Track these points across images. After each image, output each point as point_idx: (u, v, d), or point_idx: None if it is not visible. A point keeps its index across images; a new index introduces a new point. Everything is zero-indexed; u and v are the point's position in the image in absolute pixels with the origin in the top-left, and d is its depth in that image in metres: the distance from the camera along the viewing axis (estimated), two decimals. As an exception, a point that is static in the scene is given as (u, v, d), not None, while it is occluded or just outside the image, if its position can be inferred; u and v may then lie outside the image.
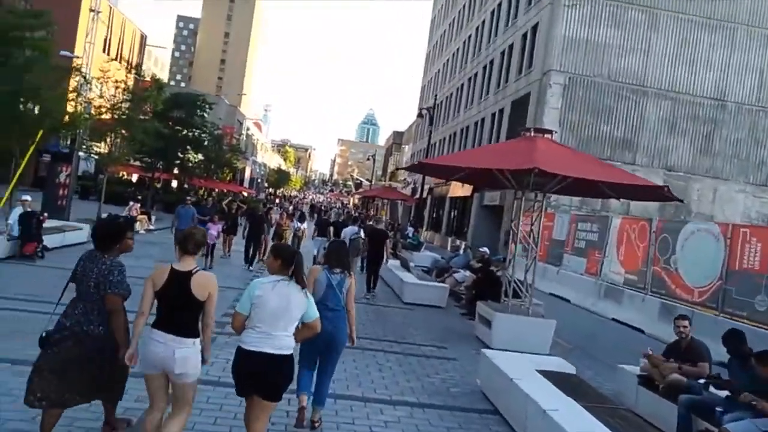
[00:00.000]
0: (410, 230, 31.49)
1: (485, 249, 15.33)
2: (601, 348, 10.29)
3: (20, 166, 14.11)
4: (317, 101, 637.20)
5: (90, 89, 19.05)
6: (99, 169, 39.76)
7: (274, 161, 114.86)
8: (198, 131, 29.94)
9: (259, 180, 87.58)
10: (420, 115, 30.71)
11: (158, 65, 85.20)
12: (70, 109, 18.09)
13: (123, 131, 22.50)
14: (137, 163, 31.05)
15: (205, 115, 29.22)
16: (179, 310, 3.66)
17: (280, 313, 3.79)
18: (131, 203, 21.37)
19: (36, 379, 3.82)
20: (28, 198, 11.78)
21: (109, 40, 44.19)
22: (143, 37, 53.42)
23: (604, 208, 24.72)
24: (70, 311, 3.93)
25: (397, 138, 76.11)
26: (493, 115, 31.15)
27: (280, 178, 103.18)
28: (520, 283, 10.31)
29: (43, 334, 3.88)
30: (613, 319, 13.83)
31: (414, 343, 8.91)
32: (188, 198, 16.54)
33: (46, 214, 12.36)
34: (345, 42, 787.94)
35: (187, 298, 3.65)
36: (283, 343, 3.79)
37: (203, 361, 3.75)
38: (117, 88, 22.20)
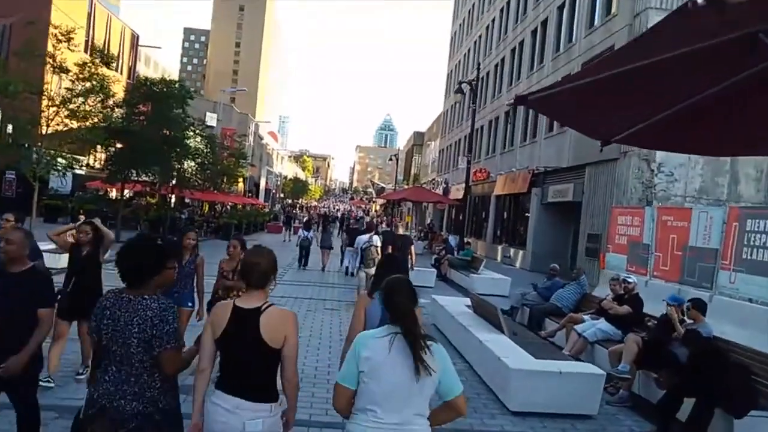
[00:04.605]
0: (451, 239, 24.61)
1: (628, 276, 8.58)
2: None
3: None
4: (334, 110, 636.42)
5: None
6: (75, 187, 33.85)
7: (290, 171, 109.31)
8: (177, 129, 22.97)
9: (273, 191, 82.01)
10: (459, 91, 23.98)
11: (167, 76, 79.87)
12: None
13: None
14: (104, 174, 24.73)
15: (185, 108, 22.51)
16: (247, 363, 2.63)
17: (403, 391, 2.31)
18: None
19: None
20: None
21: (91, 41, 38.19)
22: (135, 37, 47.60)
23: (732, 198, 17.77)
24: (100, 377, 2.71)
25: (418, 139, 71.07)
26: (552, 87, 24.24)
27: (296, 188, 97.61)
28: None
29: (79, 414, 2.81)
30: None
31: None
32: None
33: None
34: (359, 49, 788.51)
35: (257, 345, 2.60)
36: None
37: None
38: (53, 67, 16.07)
